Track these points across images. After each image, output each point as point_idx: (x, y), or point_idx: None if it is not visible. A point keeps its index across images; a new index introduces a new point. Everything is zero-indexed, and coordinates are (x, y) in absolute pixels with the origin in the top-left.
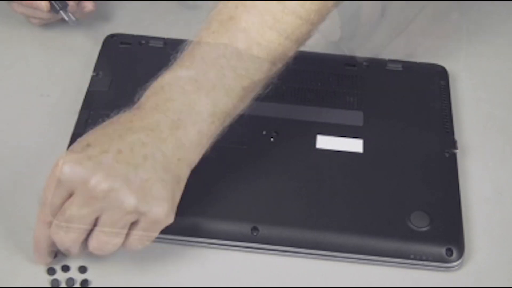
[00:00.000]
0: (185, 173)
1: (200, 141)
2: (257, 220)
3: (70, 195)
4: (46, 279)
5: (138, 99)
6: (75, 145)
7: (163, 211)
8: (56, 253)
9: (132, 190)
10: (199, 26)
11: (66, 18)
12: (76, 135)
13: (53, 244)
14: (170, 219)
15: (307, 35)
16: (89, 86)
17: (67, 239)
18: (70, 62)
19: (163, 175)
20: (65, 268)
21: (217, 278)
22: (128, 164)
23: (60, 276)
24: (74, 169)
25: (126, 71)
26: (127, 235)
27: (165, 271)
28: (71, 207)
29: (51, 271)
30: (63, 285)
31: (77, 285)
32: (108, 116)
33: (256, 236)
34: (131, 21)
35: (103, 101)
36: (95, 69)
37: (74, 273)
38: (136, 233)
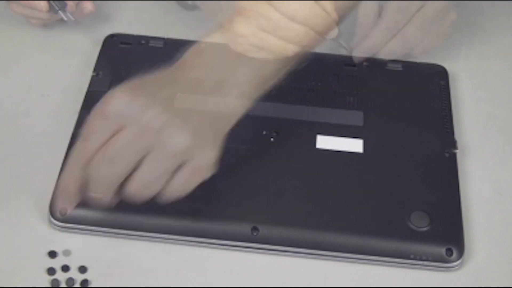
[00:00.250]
0: (223, 134)
1: (239, 104)
2: (257, 220)
3: (116, 131)
4: (46, 279)
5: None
6: (120, 86)
7: (210, 159)
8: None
9: (186, 129)
10: (199, 26)
11: (65, 18)
12: (76, 135)
13: (80, 189)
14: (210, 172)
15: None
16: (89, 86)
17: (107, 179)
18: (70, 62)
19: (209, 128)
20: (65, 268)
21: (217, 278)
22: (179, 108)
23: (60, 276)
24: (129, 101)
25: (126, 71)
26: (168, 181)
27: (165, 271)
28: (120, 140)
29: (51, 271)
30: (63, 285)
31: (77, 285)
32: None
33: (256, 236)
34: (131, 21)
35: None
36: (95, 69)
37: (74, 273)
38: (177, 179)
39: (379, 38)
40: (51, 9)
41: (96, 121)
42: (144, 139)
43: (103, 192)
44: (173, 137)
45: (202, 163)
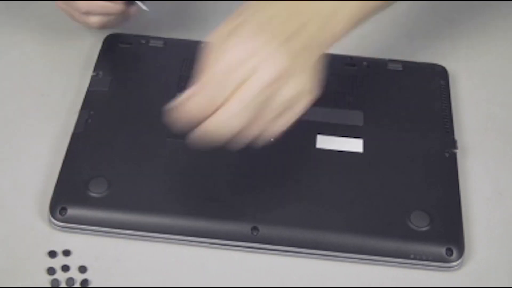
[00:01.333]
0: (324, 52)
1: (347, 30)
2: (257, 220)
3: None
4: (46, 279)
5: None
6: (240, 25)
7: (311, 84)
8: None
9: (306, 71)
10: (199, 26)
11: (144, 7)
12: (76, 135)
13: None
14: (314, 95)
15: None
16: (89, 86)
17: (236, 127)
18: (70, 62)
19: (316, 57)
20: (65, 268)
21: (217, 278)
22: (300, 49)
23: (60, 276)
24: (257, 50)
25: (126, 71)
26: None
27: (165, 271)
28: (258, 83)
29: (51, 271)
30: (63, 285)
31: (77, 285)
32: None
33: (256, 236)
34: (131, 21)
35: (103, 101)
36: (95, 69)
37: (74, 273)
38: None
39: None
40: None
41: (227, 70)
42: (276, 84)
43: (216, 140)
44: (282, 92)
45: (306, 103)
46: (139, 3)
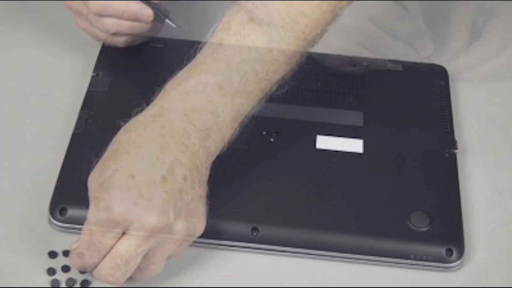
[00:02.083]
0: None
1: (221, 146)
2: (257, 220)
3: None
4: (46, 279)
5: (145, 102)
6: (113, 176)
7: (203, 226)
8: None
9: (183, 218)
10: (198, 26)
11: (174, 26)
12: (76, 135)
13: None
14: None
15: (321, 35)
16: (89, 86)
17: (121, 279)
18: (70, 62)
19: (200, 191)
20: (65, 268)
21: (217, 278)
22: (174, 191)
23: (60, 276)
24: (128, 210)
25: (126, 71)
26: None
27: (165, 271)
28: (129, 247)
29: (51, 271)
30: (63, 285)
31: (77, 285)
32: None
33: (256, 236)
34: None
35: (103, 101)
36: (95, 69)
37: (74, 273)
38: (177, 252)
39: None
40: (156, 18)
41: (103, 229)
42: (150, 241)
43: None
44: (176, 231)
45: (199, 232)
46: (169, 21)
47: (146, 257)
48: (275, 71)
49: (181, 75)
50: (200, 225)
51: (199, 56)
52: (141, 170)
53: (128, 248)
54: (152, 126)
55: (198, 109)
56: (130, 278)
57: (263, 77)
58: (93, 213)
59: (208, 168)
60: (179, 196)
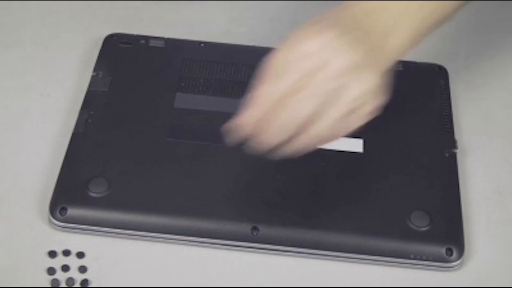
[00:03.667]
0: (390, 68)
1: (410, 43)
2: (257, 220)
3: (302, 76)
4: (46, 279)
5: None
6: (310, 25)
7: (379, 86)
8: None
9: (375, 71)
10: (199, 26)
11: None
12: (76, 135)
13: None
14: (381, 100)
15: None
16: (89, 86)
17: (301, 115)
18: (70, 62)
19: (381, 62)
20: (65, 268)
21: (217, 278)
22: (365, 44)
23: (60, 276)
24: (327, 42)
25: (126, 71)
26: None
27: (165, 271)
28: (324, 77)
29: (51, 271)
30: (63, 285)
31: (77, 285)
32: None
33: (256, 236)
34: (131, 21)
35: (103, 101)
36: (95, 69)
37: (74, 273)
38: (347, 123)
39: None
40: None
41: (294, 59)
42: (338, 81)
43: (278, 136)
44: (364, 78)
45: (378, 104)
46: None
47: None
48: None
49: None
50: (382, 100)
51: None
52: (335, 22)
53: (322, 79)
54: (338, 12)
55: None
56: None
57: None
58: (282, 49)
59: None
60: (370, 52)
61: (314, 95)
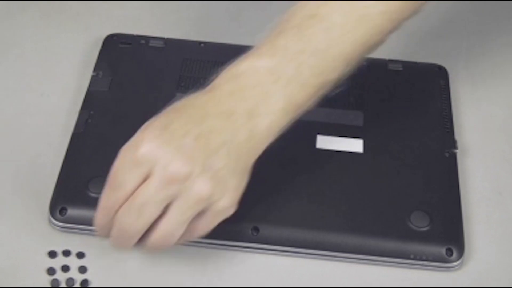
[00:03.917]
0: (251, 164)
1: (270, 133)
2: (257, 220)
3: (144, 180)
4: (46, 279)
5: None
6: (151, 125)
7: (231, 201)
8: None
9: (209, 177)
10: (199, 27)
11: None
12: (76, 135)
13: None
14: (232, 210)
15: (382, 43)
16: (89, 86)
17: (134, 227)
18: (70, 62)
19: (235, 164)
20: (65, 268)
21: (217, 278)
22: (206, 150)
23: (60, 276)
24: (155, 151)
25: (126, 71)
26: (189, 226)
27: (165, 271)
28: (147, 190)
29: (51, 271)
30: (63, 285)
31: (77, 285)
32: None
33: (256, 236)
34: (131, 21)
35: (103, 101)
36: (95, 69)
37: (74, 273)
38: (200, 223)
39: None
40: None
41: (123, 169)
42: (171, 188)
43: (127, 240)
44: (198, 186)
45: (224, 206)
46: None
47: (163, 215)
48: (331, 70)
49: (237, 60)
50: (229, 201)
51: (258, 44)
52: (179, 122)
53: (146, 191)
54: (199, 98)
55: (246, 88)
56: (141, 243)
57: (318, 72)
58: (121, 152)
59: (252, 151)
60: (210, 157)
61: (151, 201)
